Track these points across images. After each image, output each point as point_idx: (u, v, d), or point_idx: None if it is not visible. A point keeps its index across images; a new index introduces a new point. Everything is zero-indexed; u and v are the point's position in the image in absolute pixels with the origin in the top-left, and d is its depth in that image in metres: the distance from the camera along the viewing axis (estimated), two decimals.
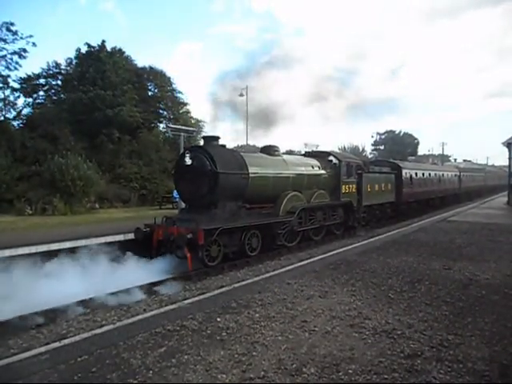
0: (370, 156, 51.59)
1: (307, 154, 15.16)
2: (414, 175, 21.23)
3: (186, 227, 8.96)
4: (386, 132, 73.34)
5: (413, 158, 48.61)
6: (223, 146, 11.08)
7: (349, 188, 14.87)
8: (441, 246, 10.79)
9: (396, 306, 5.90)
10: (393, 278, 7.46)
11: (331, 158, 14.98)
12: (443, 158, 64.83)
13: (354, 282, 7.21)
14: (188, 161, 9.91)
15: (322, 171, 14.12)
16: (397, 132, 73.01)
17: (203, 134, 35.43)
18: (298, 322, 5.25)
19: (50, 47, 68.83)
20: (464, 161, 70.87)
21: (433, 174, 24.92)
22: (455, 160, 72.38)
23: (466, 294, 6.45)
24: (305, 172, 13.17)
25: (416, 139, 75.69)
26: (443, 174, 26.89)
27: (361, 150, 53.65)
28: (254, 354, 4.32)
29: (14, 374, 4.00)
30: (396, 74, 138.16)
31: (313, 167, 13.72)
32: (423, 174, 23.01)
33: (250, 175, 10.73)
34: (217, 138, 10.89)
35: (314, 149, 15.44)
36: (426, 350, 4.37)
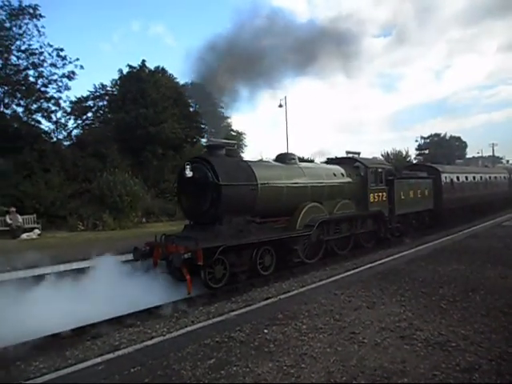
0: (414, 161, 50.00)
1: (330, 161, 14.31)
2: (455, 179, 20.07)
3: (185, 246, 8.15)
4: (431, 136, 71.07)
5: (461, 161, 46.79)
6: (229, 156, 10.33)
7: (378, 196, 13.81)
8: (495, 252, 10.28)
9: (449, 317, 5.67)
10: (444, 288, 7.18)
11: (357, 164, 13.90)
12: (494, 160, 61.83)
13: (403, 292, 7.01)
14: (188, 173, 8.94)
15: (346, 179, 13.05)
16: (442, 135, 70.61)
17: (244, 147, 35.96)
18: (347, 334, 5.17)
19: (105, 71, 72.59)
20: None
21: (478, 177, 23.62)
22: (508, 161, 68.81)
23: None
24: (325, 181, 12.14)
25: (464, 142, 72.90)
26: (490, 177, 25.47)
27: (404, 154, 52.01)
28: (303, 366, 4.29)
29: None
30: (440, 76, 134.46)
31: (335, 175, 12.70)
32: (466, 178, 21.71)
33: (259, 186, 9.81)
34: (222, 147, 10.06)
35: (357, 156, 14.58)
36: (483, 364, 4.17)
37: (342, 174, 13.00)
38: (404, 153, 51.33)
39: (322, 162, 14.58)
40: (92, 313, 6.86)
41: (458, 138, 72.41)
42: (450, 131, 76.67)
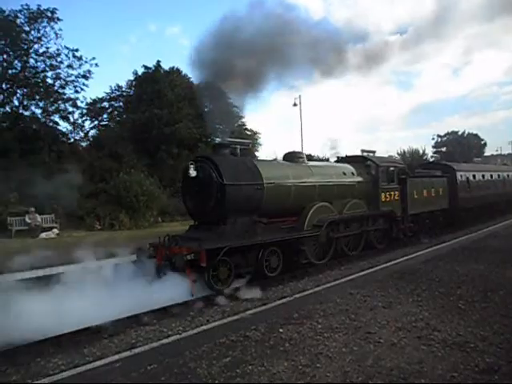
0: (431, 159, 49.36)
1: (341, 160, 14.07)
2: (471, 178, 19.60)
3: (188, 247, 7.97)
4: (448, 134, 70.04)
5: (479, 159, 45.91)
6: (234, 155, 10.12)
7: (390, 196, 13.44)
8: None
9: (467, 318, 5.58)
10: (462, 288, 7.07)
11: (368, 162, 13.52)
12: None
13: (420, 292, 6.93)
14: (192, 172, 8.80)
15: (357, 178, 12.70)
16: (460, 133, 69.50)
17: (259, 146, 35.96)
18: (362, 334, 5.13)
19: (122, 72, 73.44)
20: None
21: (495, 175, 23.10)
22: None
23: None
24: (335, 180, 11.80)
25: (482, 139, 71.62)
26: (508, 175, 24.93)
27: (421, 153, 51.31)
28: (318, 365, 4.28)
29: (91, 381, 4.26)
30: (458, 73, 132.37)
31: (345, 174, 12.37)
32: (483, 176, 21.21)
33: (265, 185, 9.57)
34: (227, 146, 9.90)
35: (371, 155, 14.35)
36: (503, 365, 4.09)
37: (353, 173, 12.69)
38: (421, 151, 50.70)
39: (334, 161, 14.43)
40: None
41: (476, 136, 71.17)
42: (468, 128, 75.03)
